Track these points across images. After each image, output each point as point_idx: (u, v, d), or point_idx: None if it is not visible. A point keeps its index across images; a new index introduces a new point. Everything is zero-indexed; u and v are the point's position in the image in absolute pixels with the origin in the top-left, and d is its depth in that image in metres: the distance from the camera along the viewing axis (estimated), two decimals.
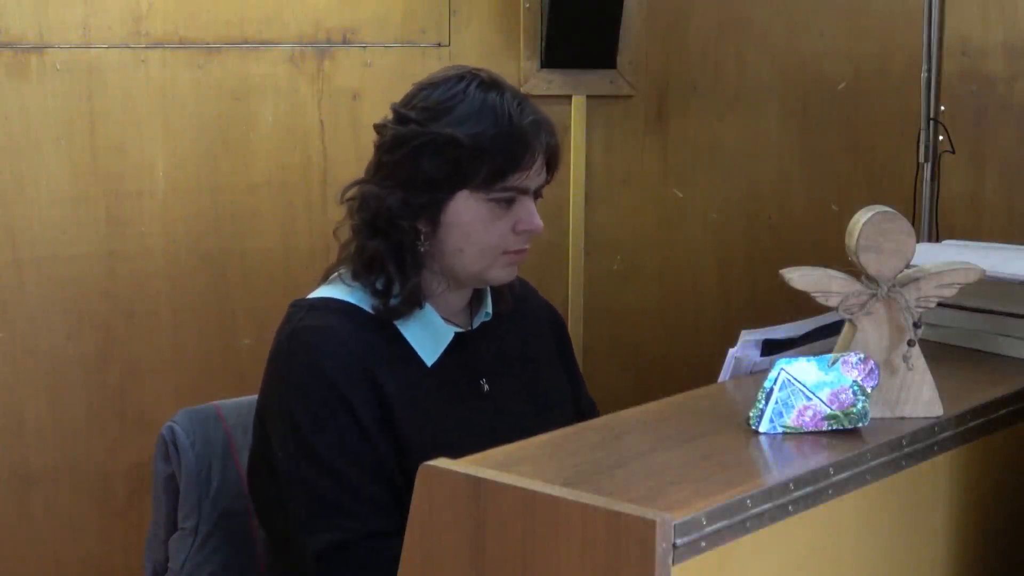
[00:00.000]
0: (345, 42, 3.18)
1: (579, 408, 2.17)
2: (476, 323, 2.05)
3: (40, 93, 2.86)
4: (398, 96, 2.03)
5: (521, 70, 3.42)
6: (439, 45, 3.31)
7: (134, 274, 2.99)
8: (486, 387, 2.03)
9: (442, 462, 1.42)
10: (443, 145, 1.92)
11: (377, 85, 3.19)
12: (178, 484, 2.12)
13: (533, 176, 1.96)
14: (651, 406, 1.68)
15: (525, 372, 2.10)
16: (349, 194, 2.01)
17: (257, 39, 3.08)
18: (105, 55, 2.92)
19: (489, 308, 2.07)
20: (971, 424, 1.66)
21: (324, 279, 2.03)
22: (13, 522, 2.89)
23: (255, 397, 2.02)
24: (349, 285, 1.97)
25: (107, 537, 3.00)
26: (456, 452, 1.45)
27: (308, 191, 3.16)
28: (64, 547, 2.96)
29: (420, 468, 1.42)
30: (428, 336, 1.98)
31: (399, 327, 1.96)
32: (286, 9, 3.11)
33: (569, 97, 3.50)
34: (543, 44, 3.42)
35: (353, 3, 3.19)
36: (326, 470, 1.86)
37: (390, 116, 1.99)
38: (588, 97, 3.52)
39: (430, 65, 3.24)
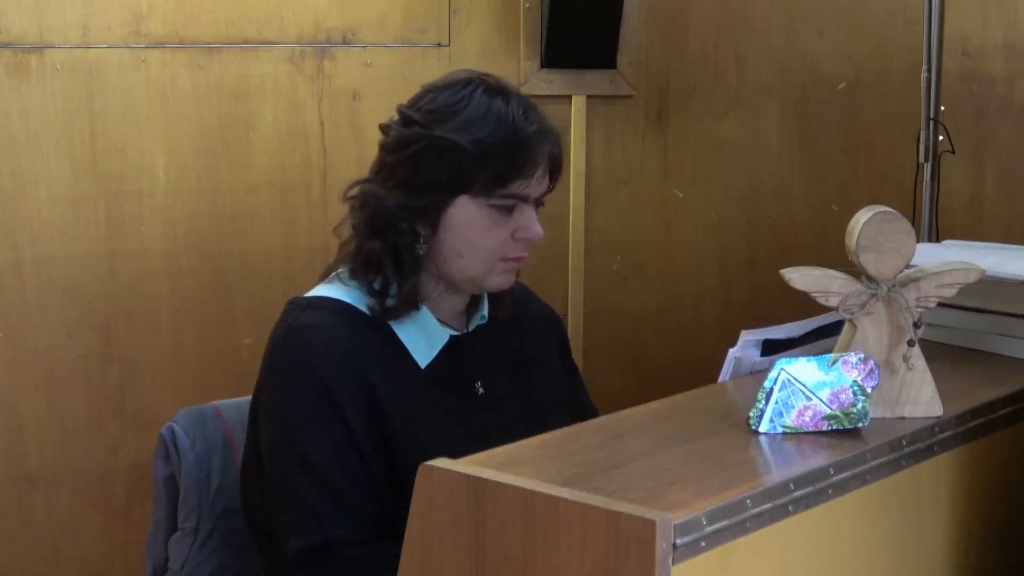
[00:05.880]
0: (345, 42, 3.18)
1: (578, 411, 2.14)
2: (472, 326, 2.05)
3: (40, 93, 2.86)
4: (398, 96, 2.03)
5: (521, 70, 3.42)
6: (439, 45, 3.31)
7: (134, 274, 2.98)
8: (480, 390, 2.02)
9: (442, 462, 1.41)
10: (445, 149, 1.91)
11: (377, 85, 3.19)
12: (178, 484, 2.11)
13: (535, 184, 1.95)
14: (651, 406, 1.68)
15: (521, 376, 2.09)
16: (351, 192, 2.00)
17: (257, 39, 3.08)
18: (105, 55, 2.92)
19: (485, 311, 2.06)
20: (971, 424, 1.66)
21: (323, 278, 2.03)
22: (13, 522, 2.89)
23: None
24: (346, 284, 1.97)
25: (107, 537, 2.99)
26: (447, 454, 1.44)
27: (308, 191, 3.16)
28: (64, 547, 2.96)
29: (420, 468, 1.42)
30: (423, 338, 1.97)
31: (394, 328, 1.96)
32: (286, 9, 3.11)
33: (569, 97, 3.50)
34: (543, 44, 3.42)
35: (353, 3, 3.19)
36: (310, 473, 1.85)
37: (396, 117, 1.99)
38: (588, 97, 3.52)
39: (430, 65, 3.25)
